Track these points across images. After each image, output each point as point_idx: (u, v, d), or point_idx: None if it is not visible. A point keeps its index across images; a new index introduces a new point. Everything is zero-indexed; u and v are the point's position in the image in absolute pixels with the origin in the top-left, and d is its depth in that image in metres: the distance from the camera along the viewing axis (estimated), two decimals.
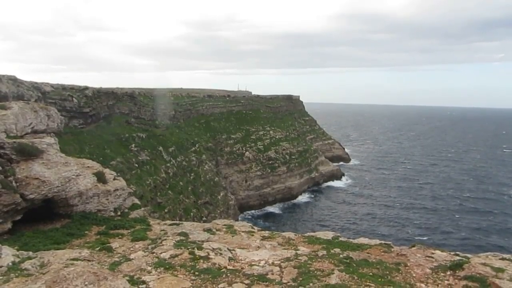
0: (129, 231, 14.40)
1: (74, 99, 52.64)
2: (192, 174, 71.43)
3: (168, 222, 17.29)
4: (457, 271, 10.10)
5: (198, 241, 12.69)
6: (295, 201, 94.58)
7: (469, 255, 11.68)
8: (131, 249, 12.07)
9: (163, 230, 14.77)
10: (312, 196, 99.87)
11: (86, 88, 57.75)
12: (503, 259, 11.30)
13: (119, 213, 16.81)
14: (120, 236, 13.67)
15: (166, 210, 55.08)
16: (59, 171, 15.03)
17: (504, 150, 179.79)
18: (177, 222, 17.38)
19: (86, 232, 14.15)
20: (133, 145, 59.61)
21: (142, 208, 18.93)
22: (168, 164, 65.93)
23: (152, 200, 54.00)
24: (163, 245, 12.02)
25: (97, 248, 11.92)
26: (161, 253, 11.27)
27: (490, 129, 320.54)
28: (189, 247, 11.64)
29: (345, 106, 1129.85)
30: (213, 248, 11.66)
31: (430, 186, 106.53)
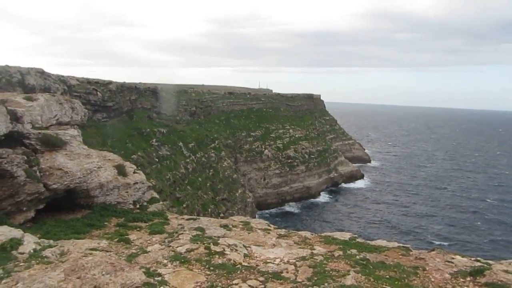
0: (147, 224, 14.62)
1: (98, 93, 53.74)
2: (211, 170, 71.91)
3: (186, 216, 17.45)
4: (477, 278, 9.80)
5: (214, 236, 12.75)
6: (313, 200, 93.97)
7: (491, 262, 11.32)
8: (148, 241, 12.26)
9: (180, 224, 14.91)
10: (331, 196, 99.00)
11: (110, 82, 58.84)
12: None
13: (138, 206, 17.07)
14: (138, 229, 13.89)
15: (184, 205, 55.67)
16: (81, 163, 15.38)
17: None
18: (194, 217, 17.52)
19: (105, 223, 14.45)
20: (154, 140, 60.46)
21: (161, 202, 19.16)
22: (188, 160, 66.56)
23: (171, 194, 54.67)
24: (179, 239, 12.14)
25: (116, 240, 12.16)
26: (177, 247, 11.39)
27: None
28: (205, 242, 11.71)
29: (366, 106, 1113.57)
30: (229, 244, 11.69)
31: (453, 191, 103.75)
